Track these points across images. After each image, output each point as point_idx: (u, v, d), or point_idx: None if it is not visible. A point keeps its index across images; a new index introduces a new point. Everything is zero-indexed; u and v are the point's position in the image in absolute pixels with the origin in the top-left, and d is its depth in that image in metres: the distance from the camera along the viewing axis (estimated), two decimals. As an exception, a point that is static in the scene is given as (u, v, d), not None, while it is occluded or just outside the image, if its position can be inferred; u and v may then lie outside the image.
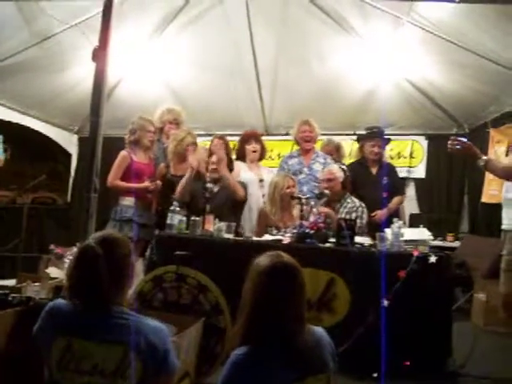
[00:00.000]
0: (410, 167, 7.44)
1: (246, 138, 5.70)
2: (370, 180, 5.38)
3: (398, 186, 5.60)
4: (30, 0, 4.52)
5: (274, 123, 7.72)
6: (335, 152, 5.94)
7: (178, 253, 3.78)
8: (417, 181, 7.45)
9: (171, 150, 5.19)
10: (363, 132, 6.64)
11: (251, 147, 5.59)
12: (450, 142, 3.31)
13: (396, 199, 5.47)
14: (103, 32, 3.30)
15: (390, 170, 5.61)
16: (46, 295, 3.51)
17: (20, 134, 7.16)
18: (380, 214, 5.13)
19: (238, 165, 5.61)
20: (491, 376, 3.75)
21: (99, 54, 3.31)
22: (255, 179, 5.44)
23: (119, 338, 2.05)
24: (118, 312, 2.13)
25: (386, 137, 5.70)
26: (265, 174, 5.52)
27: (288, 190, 4.78)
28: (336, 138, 6.46)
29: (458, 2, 3.57)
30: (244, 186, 5.08)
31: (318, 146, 5.94)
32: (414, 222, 6.44)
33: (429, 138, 7.50)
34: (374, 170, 5.52)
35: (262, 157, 5.76)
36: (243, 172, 5.48)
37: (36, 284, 3.69)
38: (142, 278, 3.93)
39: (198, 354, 3.30)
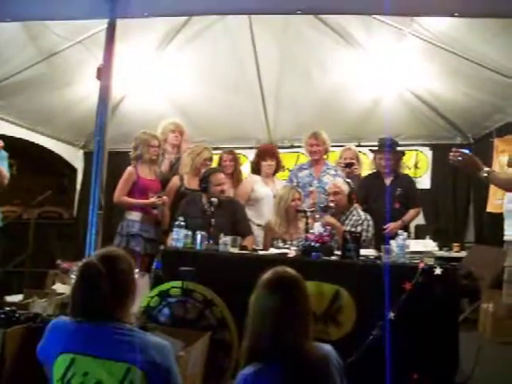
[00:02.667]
0: (415, 178, 7.39)
1: (262, 155, 5.78)
2: (383, 191, 5.27)
3: (413, 197, 5.46)
4: (35, 20, 4.55)
5: (278, 136, 7.70)
6: (355, 159, 5.91)
7: (183, 268, 3.80)
8: (422, 191, 7.39)
9: (187, 164, 5.24)
10: (367, 144, 6.76)
11: (267, 164, 5.67)
12: (451, 154, 3.31)
13: (412, 212, 5.36)
14: (107, 51, 3.34)
15: (405, 181, 5.53)
16: (52, 311, 3.53)
17: (25, 149, 7.19)
18: (393, 226, 5.04)
19: (252, 178, 5.66)
20: (498, 387, 3.75)
21: (103, 73, 3.35)
22: (270, 195, 5.49)
23: (122, 354, 2.05)
24: (121, 328, 2.13)
25: (399, 149, 5.65)
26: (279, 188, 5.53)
27: (293, 203, 4.80)
28: (340, 150, 6.46)
29: (457, 16, 3.58)
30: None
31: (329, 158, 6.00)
32: (420, 232, 6.42)
33: (433, 148, 7.48)
34: (387, 182, 5.43)
35: (276, 171, 5.85)
36: (259, 186, 5.57)
37: (43, 300, 3.71)
38: (148, 293, 3.94)
39: (205, 368, 3.31)
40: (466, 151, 3.25)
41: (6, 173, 5.15)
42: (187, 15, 5.16)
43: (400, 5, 3.52)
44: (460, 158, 3.18)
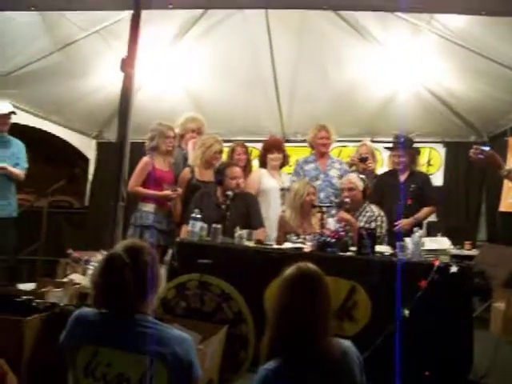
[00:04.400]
0: (428, 175, 7.38)
1: (268, 147, 5.75)
2: (396, 188, 5.20)
3: (428, 195, 5.33)
4: (60, 10, 4.54)
5: (292, 130, 7.73)
6: (371, 155, 5.82)
7: (201, 261, 3.81)
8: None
9: (198, 156, 5.23)
10: (381, 139, 6.77)
11: (272, 157, 5.63)
12: (472, 151, 3.28)
13: (426, 209, 5.24)
14: (131, 43, 3.34)
15: (421, 178, 5.43)
16: (68, 301, 3.54)
17: (38, 137, 7.20)
18: (404, 222, 5.00)
19: (259, 171, 5.67)
20: (511, 386, 3.76)
21: (127, 64, 3.35)
22: (276, 187, 5.48)
23: (145, 347, 2.05)
24: (144, 321, 2.13)
25: (415, 146, 5.61)
26: (287, 182, 5.57)
27: (308, 198, 4.80)
28: (353, 145, 6.45)
29: (484, 15, 3.56)
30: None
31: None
32: (432, 229, 6.39)
33: (447, 145, 7.48)
34: (402, 179, 5.35)
35: (283, 164, 5.84)
36: (266, 179, 5.53)
37: (58, 290, 3.73)
38: (164, 285, 3.96)
39: (221, 361, 3.33)
40: (487, 148, 3.23)
41: (21, 171, 5.28)
42: (212, 8, 5.11)
43: (425, 2, 3.50)
44: (481, 156, 3.17)
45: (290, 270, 2.19)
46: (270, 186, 5.50)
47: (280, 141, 6.14)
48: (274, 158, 5.64)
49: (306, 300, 2.09)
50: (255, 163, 6.29)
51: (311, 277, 2.16)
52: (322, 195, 5.35)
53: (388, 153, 6.11)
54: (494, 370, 3.78)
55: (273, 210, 5.31)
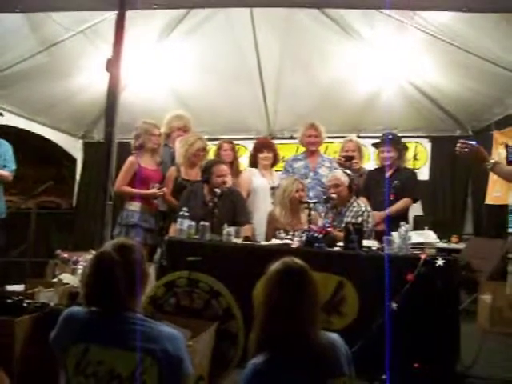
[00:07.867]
0: (414, 169, 7.41)
1: (258, 147, 5.79)
2: (381, 184, 5.23)
3: (409, 189, 5.31)
4: (45, 11, 4.52)
5: (278, 127, 7.76)
6: (357, 150, 5.80)
7: (190, 258, 3.83)
8: (420, 183, 7.41)
9: (181, 154, 5.24)
10: (367, 135, 6.78)
11: (263, 156, 5.67)
12: (458, 145, 3.32)
13: (399, 202, 5.20)
14: (116, 43, 3.35)
15: (406, 174, 5.45)
16: (58, 301, 3.54)
17: (25, 138, 7.18)
18: (377, 215, 5.08)
19: (250, 171, 5.70)
20: (498, 377, 3.80)
21: (112, 64, 3.36)
22: (266, 186, 5.52)
23: (135, 344, 2.06)
24: (134, 318, 2.15)
25: (402, 142, 5.68)
26: (278, 181, 5.56)
27: (297, 194, 4.82)
28: (339, 141, 6.47)
29: (466, 11, 3.60)
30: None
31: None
32: (418, 224, 6.42)
33: (432, 140, 7.53)
34: (387, 175, 5.35)
35: (274, 163, 5.85)
36: (256, 178, 5.57)
37: (48, 290, 3.72)
38: (154, 283, 3.97)
39: (211, 358, 3.35)
40: (474, 143, 3.27)
41: (10, 173, 5.25)
42: (196, 7, 5.12)
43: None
44: (466, 150, 3.21)
45: (275, 266, 2.21)
46: (260, 185, 5.54)
47: (270, 140, 6.17)
48: (264, 157, 5.67)
49: (293, 294, 2.11)
50: (242, 161, 6.31)
51: (297, 271, 2.18)
52: (311, 193, 5.36)
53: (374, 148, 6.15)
54: (480, 361, 3.83)
55: (263, 209, 5.31)
